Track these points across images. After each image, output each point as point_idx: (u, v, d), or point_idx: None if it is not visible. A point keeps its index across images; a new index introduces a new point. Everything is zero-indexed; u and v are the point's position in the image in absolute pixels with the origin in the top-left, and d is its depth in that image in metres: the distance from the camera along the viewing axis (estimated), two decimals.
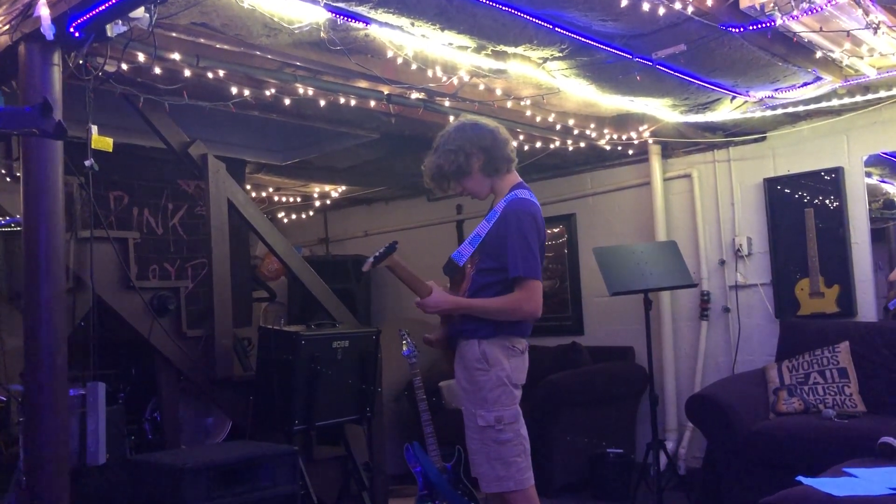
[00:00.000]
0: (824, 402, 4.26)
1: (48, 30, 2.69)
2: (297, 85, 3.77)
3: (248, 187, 6.08)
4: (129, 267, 4.06)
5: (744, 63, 3.74)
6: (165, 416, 4.26)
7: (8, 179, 4.26)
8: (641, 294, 4.58)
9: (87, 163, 3.13)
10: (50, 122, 1.88)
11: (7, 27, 2.92)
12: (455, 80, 3.88)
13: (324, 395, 3.98)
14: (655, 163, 5.62)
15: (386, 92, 4.01)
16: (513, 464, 2.69)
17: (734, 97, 4.34)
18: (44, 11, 2.69)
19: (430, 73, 3.74)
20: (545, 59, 3.65)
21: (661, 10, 3.12)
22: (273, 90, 3.82)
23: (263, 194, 6.86)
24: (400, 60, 3.58)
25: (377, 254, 2.81)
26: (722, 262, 5.44)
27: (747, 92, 4.24)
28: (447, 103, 4.23)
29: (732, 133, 5.27)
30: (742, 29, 3.34)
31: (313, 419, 3.96)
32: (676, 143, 5.45)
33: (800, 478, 2.73)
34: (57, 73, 2.90)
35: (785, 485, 2.78)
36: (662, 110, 4.59)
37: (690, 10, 3.16)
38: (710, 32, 3.36)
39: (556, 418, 4.96)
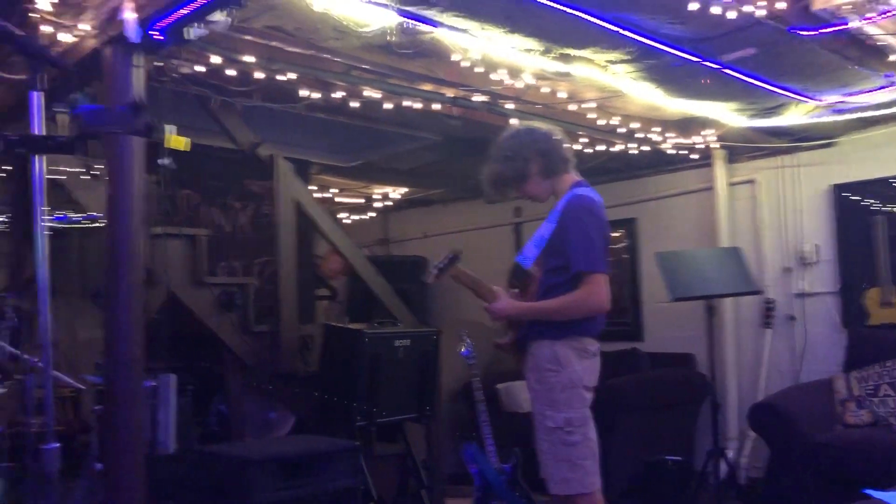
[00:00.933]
0: (895, 415, 4.16)
1: (133, 32, 2.80)
2: (364, 87, 3.83)
3: (313, 188, 6.19)
4: (200, 263, 4.18)
5: (814, 67, 3.68)
6: (231, 409, 4.36)
7: (82, 177, 4.40)
8: (703, 300, 4.52)
9: (163, 161, 3.24)
10: (141, 121, 1.97)
11: (95, 31, 3.05)
12: (519, 83, 3.90)
13: (385, 392, 4.04)
14: (719, 168, 5.54)
15: (450, 94, 4.05)
16: (580, 466, 2.69)
17: (803, 101, 4.26)
18: (129, 15, 2.80)
19: (493, 75, 3.77)
20: (611, 62, 3.64)
21: (731, 13, 3.09)
22: (341, 92, 3.89)
23: (327, 195, 6.97)
24: (465, 63, 3.61)
25: (440, 265, 2.85)
26: (787, 270, 5.33)
27: (816, 96, 4.17)
28: (510, 106, 4.25)
29: (800, 138, 5.16)
30: (814, 32, 3.28)
31: (374, 416, 4.01)
32: (741, 148, 5.36)
33: (867, 490, 2.67)
34: (139, 75, 3.01)
35: (850, 498, 2.72)
36: (728, 114, 4.54)
37: (761, 13, 3.12)
38: (781, 36, 3.31)
39: (615, 424, 4.92)
